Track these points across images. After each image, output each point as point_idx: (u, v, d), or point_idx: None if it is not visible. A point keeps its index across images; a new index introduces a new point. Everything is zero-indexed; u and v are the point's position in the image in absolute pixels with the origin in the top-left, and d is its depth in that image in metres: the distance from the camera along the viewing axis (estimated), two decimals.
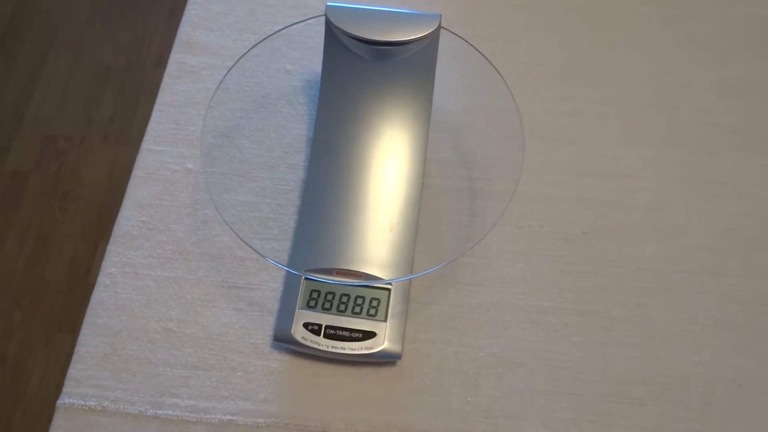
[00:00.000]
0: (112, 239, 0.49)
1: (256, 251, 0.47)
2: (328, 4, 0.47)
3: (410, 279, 0.46)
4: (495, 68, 0.47)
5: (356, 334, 0.44)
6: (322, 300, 0.45)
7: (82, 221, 1.40)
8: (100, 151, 1.48)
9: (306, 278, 0.45)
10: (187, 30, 0.59)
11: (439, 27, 0.46)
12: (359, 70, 0.48)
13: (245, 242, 0.45)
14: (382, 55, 0.47)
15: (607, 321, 0.47)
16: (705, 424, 0.44)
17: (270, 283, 0.47)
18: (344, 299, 0.45)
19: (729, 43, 0.58)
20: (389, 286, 0.45)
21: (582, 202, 0.51)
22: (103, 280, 0.48)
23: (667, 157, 0.53)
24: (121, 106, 1.52)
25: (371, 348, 0.43)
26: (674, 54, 0.58)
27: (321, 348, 0.43)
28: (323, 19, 0.48)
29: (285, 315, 0.45)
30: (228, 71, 0.50)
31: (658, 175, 0.52)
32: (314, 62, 0.56)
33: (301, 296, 0.45)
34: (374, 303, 0.44)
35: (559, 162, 0.53)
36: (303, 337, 0.44)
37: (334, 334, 0.44)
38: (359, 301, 0.44)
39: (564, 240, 0.49)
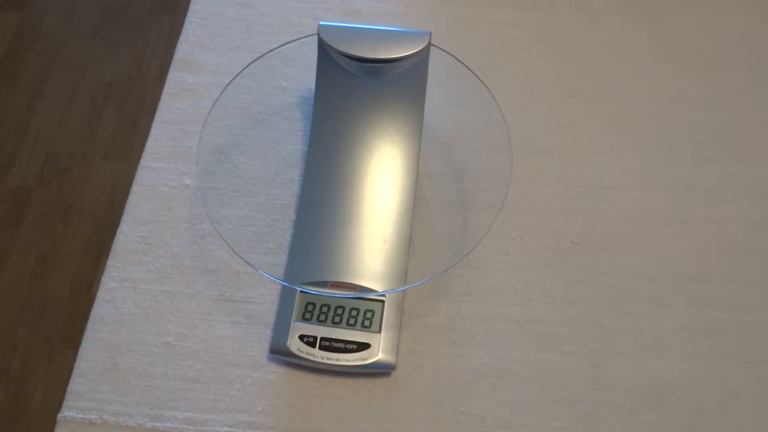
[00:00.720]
0: (112, 254, 0.50)
1: (251, 265, 0.48)
2: (321, 23, 0.48)
3: (404, 290, 0.47)
4: (483, 83, 0.48)
5: (351, 346, 0.44)
6: (317, 312, 0.45)
7: (83, 237, 1.41)
8: (102, 167, 1.49)
9: (301, 291, 0.46)
10: (185, 49, 0.60)
11: (429, 44, 0.47)
12: (352, 86, 0.49)
13: (240, 257, 0.46)
14: (374, 72, 0.48)
15: (598, 330, 0.47)
16: (696, 430, 0.44)
17: (266, 296, 0.48)
18: (339, 311, 0.45)
19: (715, 55, 0.60)
20: (383, 298, 0.46)
21: (572, 212, 0.52)
22: (102, 294, 0.49)
23: (655, 167, 0.54)
24: (122, 123, 1.54)
25: (366, 359, 0.44)
26: (661, 67, 0.59)
27: (316, 360, 0.44)
28: (317, 37, 0.49)
29: (281, 327, 0.45)
30: (224, 88, 0.51)
31: (646, 185, 0.53)
32: (309, 79, 0.57)
33: (296, 309, 0.46)
34: (368, 315, 0.45)
35: (549, 173, 0.54)
36: (299, 349, 0.44)
37: (330, 345, 0.44)
38: (354, 313, 0.45)
39: (555, 250, 0.50)
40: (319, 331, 0.45)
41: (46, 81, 1.61)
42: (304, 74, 0.58)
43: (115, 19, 1.69)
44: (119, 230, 0.51)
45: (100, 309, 0.48)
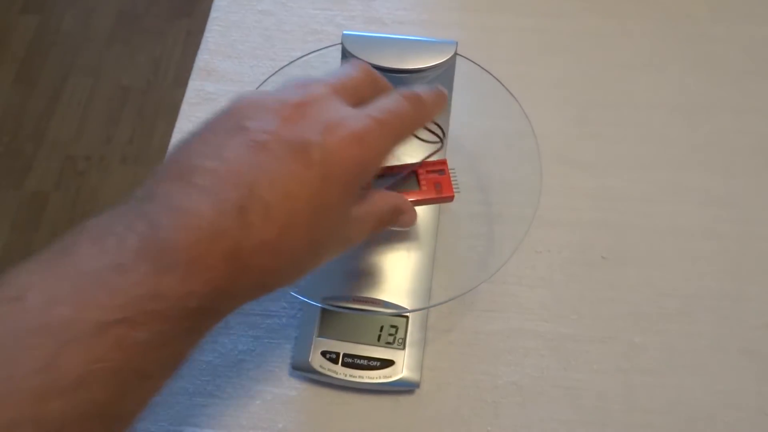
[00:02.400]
0: None
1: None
2: (345, 33, 0.47)
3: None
4: (510, 93, 0.47)
5: (374, 363, 0.43)
6: (339, 328, 0.44)
7: None
8: (119, 171, 1.50)
9: (323, 306, 0.45)
10: (205, 57, 0.59)
11: (455, 54, 0.46)
12: None
13: None
14: (399, 82, 0.47)
15: (628, 348, 0.46)
16: None
17: (287, 310, 0.47)
18: (362, 327, 0.44)
19: (746, 63, 0.58)
20: (407, 314, 0.45)
21: (601, 226, 0.50)
22: None
23: (686, 180, 0.53)
24: (140, 127, 1.54)
25: (389, 377, 0.43)
26: (691, 76, 0.57)
27: (339, 377, 0.43)
28: (340, 45, 0.48)
29: (303, 343, 0.45)
30: None
31: (677, 198, 0.52)
32: None
33: (318, 324, 0.45)
34: (392, 331, 0.44)
35: (576, 186, 0.52)
36: (321, 366, 0.43)
37: (352, 362, 0.43)
38: (377, 329, 0.44)
39: (583, 265, 0.49)
40: (342, 347, 0.44)
41: (63, 85, 1.62)
42: None
43: (132, 24, 1.70)
44: None
45: None
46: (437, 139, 0.46)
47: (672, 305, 0.47)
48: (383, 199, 0.34)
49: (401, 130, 0.32)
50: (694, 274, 0.49)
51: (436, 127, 0.46)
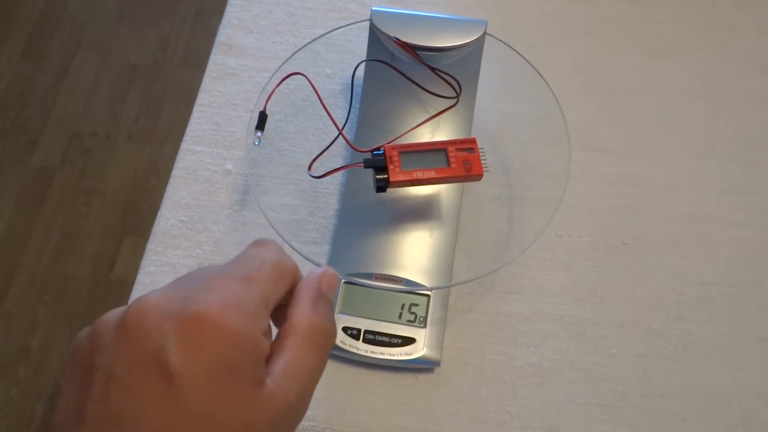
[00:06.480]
0: (152, 238, 0.50)
1: (307, 258, 0.47)
2: (374, 8, 0.47)
3: (451, 287, 0.46)
4: (542, 77, 0.46)
5: (395, 340, 0.43)
6: (361, 304, 0.45)
7: (106, 218, 1.41)
8: (125, 149, 1.49)
9: (345, 282, 0.45)
10: (226, 31, 0.59)
11: (485, 33, 0.46)
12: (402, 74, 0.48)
13: (292, 247, 0.45)
14: (427, 60, 0.47)
15: (647, 334, 0.46)
16: None
17: None
18: (384, 304, 0.44)
19: None
20: (429, 293, 0.45)
21: (622, 212, 0.51)
22: (142, 278, 0.48)
23: (707, 168, 0.53)
24: (147, 105, 1.53)
25: (410, 354, 0.43)
26: (714, 64, 0.57)
27: (360, 353, 0.43)
28: (364, 23, 0.48)
29: None
30: (273, 74, 0.50)
31: (697, 186, 0.52)
32: (353, 66, 0.56)
33: (340, 300, 0.45)
34: (414, 309, 0.44)
35: (598, 171, 0.52)
36: (342, 342, 0.44)
37: (374, 339, 0.44)
38: (399, 306, 0.44)
39: (604, 250, 0.49)
40: (363, 323, 0.44)
41: (71, 62, 1.61)
42: (348, 60, 0.57)
43: (140, 1, 1.69)
44: (159, 214, 0.51)
45: (139, 293, 0.48)
46: (454, 94, 0.45)
47: (691, 292, 0.48)
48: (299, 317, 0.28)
49: None
50: (713, 261, 0.49)
51: (453, 80, 0.45)
